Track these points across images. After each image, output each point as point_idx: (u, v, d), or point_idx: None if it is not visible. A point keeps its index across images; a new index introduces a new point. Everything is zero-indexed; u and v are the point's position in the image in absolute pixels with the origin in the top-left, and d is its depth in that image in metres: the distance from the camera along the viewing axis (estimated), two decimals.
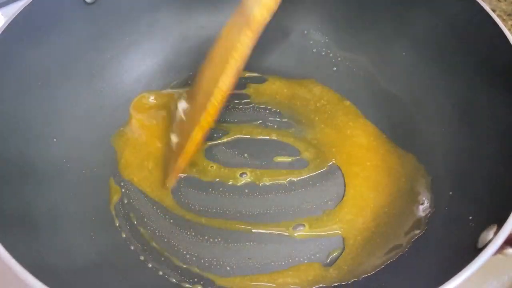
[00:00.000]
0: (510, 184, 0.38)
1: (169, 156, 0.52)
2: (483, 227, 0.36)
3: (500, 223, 0.34)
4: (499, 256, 0.34)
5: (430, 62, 0.52)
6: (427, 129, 0.51)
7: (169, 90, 0.59)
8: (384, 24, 0.56)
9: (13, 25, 0.44)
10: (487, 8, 0.45)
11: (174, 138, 0.52)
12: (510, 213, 0.34)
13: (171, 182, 0.50)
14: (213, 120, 0.46)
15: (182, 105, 0.52)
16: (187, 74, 0.60)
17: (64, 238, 0.43)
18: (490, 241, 0.33)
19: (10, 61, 0.45)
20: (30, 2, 0.45)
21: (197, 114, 0.47)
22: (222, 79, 0.44)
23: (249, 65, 0.61)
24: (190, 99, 0.52)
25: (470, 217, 0.40)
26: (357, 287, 0.44)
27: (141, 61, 0.59)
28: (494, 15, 0.44)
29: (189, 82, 0.60)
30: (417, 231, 0.45)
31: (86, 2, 0.51)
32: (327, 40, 0.61)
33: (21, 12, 0.45)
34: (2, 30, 0.43)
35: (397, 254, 0.44)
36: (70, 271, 0.40)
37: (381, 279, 0.43)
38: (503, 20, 0.67)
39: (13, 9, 0.45)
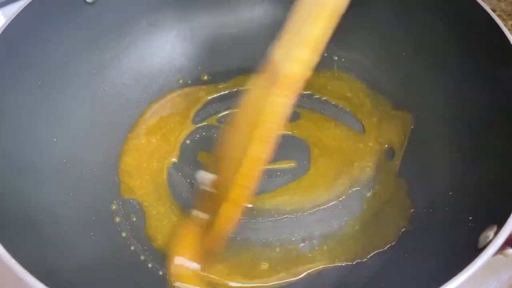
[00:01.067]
0: (510, 184, 0.38)
1: (199, 234, 0.45)
2: (483, 227, 0.36)
3: (500, 223, 0.34)
4: (499, 256, 0.34)
5: (430, 62, 0.52)
6: (427, 129, 0.51)
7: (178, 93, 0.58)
8: (384, 24, 0.56)
9: (13, 25, 0.44)
10: (487, 8, 0.45)
11: (200, 215, 0.45)
12: (510, 213, 0.34)
13: (209, 262, 0.44)
14: (248, 194, 0.41)
15: (203, 175, 0.44)
16: (187, 74, 0.60)
17: (64, 238, 0.43)
18: (490, 241, 0.33)
19: (10, 61, 0.45)
20: (30, 2, 0.45)
21: (225, 188, 0.41)
22: (252, 146, 0.38)
23: (249, 66, 0.61)
24: (214, 169, 0.44)
25: (470, 217, 0.40)
26: (357, 287, 0.44)
27: (140, 61, 0.58)
28: (494, 15, 0.44)
29: (189, 82, 0.60)
30: (402, 226, 0.46)
31: (86, 2, 0.51)
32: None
33: (21, 12, 0.45)
34: (2, 30, 0.43)
35: (386, 245, 0.46)
36: (70, 271, 0.40)
37: (381, 279, 0.43)
38: (503, 20, 0.67)
39: (13, 9, 0.45)
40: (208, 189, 0.44)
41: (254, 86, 0.40)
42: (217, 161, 0.44)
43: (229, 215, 0.41)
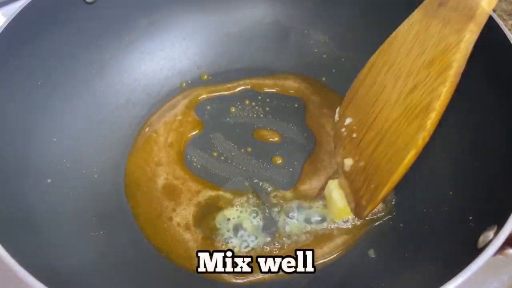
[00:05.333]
0: (510, 184, 0.38)
1: (350, 181, 0.44)
2: (483, 227, 0.36)
3: (500, 223, 0.34)
4: (499, 256, 0.34)
5: None
6: None
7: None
8: (384, 24, 0.56)
9: (13, 24, 0.44)
10: None
11: (348, 162, 0.44)
12: (510, 213, 0.34)
13: (370, 211, 0.43)
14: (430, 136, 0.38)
15: (346, 120, 0.43)
16: (187, 74, 0.60)
17: (64, 238, 0.43)
18: (490, 241, 0.33)
19: (10, 61, 0.45)
20: (30, 2, 0.45)
21: (399, 132, 0.39)
22: (445, 87, 0.36)
23: (249, 66, 0.62)
24: (357, 111, 0.43)
25: (470, 217, 0.40)
26: (356, 287, 0.44)
27: (140, 61, 0.58)
28: (494, 15, 0.44)
29: (189, 82, 0.60)
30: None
31: (86, 2, 0.51)
32: (327, 40, 0.61)
33: (21, 11, 0.45)
34: (2, 30, 0.43)
35: None
36: (70, 271, 0.40)
37: (381, 279, 0.43)
38: (503, 20, 0.67)
39: (13, 9, 0.45)
40: (349, 133, 0.42)
41: (416, 23, 0.38)
42: (363, 105, 0.42)
43: (412, 160, 0.39)
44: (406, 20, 0.40)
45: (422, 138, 0.37)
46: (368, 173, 0.42)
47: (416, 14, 0.39)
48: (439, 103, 0.37)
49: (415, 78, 0.38)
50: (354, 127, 0.44)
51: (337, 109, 0.50)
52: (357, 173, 0.43)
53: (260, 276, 0.45)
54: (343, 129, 0.45)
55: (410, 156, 0.38)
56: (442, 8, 0.36)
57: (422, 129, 0.37)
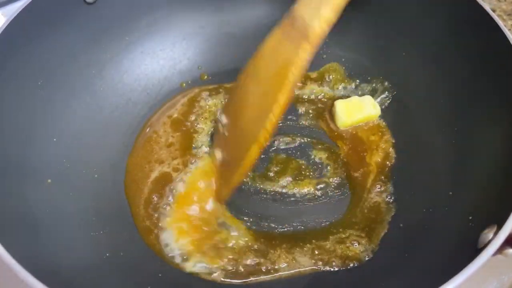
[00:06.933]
0: (510, 185, 0.38)
1: (218, 171, 0.51)
2: (483, 227, 0.36)
3: (500, 223, 0.34)
4: (499, 256, 0.34)
5: (430, 61, 0.52)
6: (427, 129, 0.51)
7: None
8: (384, 24, 0.56)
9: (13, 24, 0.44)
10: (487, 8, 0.45)
11: (218, 154, 0.51)
12: (510, 213, 0.34)
13: (226, 197, 0.49)
14: (271, 136, 0.45)
15: (223, 119, 0.50)
16: (187, 74, 0.60)
17: (64, 238, 0.43)
18: (490, 241, 0.33)
19: (10, 61, 0.45)
20: (30, 2, 0.45)
21: (249, 130, 0.45)
22: (282, 95, 0.42)
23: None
24: (230, 112, 0.50)
25: (470, 217, 0.40)
26: (357, 287, 0.44)
27: (141, 61, 0.58)
28: (494, 15, 0.44)
29: (189, 82, 0.60)
30: None
31: (86, 2, 0.51)
32: (327, 40, 0.60)
33: (21, 12, 0.45)
34: (2, 30, 0.43)
35: None
36: (70, 271, 0.40)
37: (380, 280, 0.43)
38: (503, 20, 0.67)
39: (13, 9, 0.45)
40: (225, 132, 0.49)
41: (274, 39, 0.44)
42: (236, 108, 0.48)
43: (255, 154, 0.45)
44: (270, 34, 0.45)
45: (263, 136, 0.44)
46: (228, 165, 0.49)
47: (276, 30, 0.45)
48: (276, 108, 0.43)
49: (266, 87, 0.44)
50: (227, 126, 0.50)
51: (220, 107, 0.56)
52: (222, 164, 0.50)
53: (261, 277, 0.45)
54: (220, 125, 0.51)
55: (252, 151, 0.45)
56: (290, 26, 0.42)
57: (263, 129, 0.43)
